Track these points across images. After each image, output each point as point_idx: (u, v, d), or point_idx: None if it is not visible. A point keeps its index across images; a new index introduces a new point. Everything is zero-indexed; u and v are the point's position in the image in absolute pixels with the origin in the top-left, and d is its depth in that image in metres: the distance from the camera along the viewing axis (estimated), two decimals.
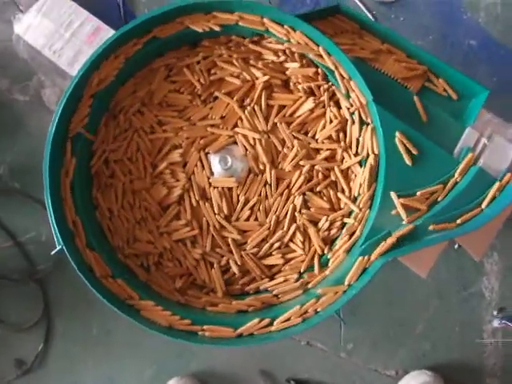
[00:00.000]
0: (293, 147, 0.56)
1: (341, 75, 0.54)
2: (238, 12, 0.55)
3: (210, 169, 0.58)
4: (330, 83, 0.56)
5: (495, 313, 0.86)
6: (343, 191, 0.56)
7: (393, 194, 0.52)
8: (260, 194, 0.57)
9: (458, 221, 0.52)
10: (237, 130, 0.58)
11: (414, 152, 0.53)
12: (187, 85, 0.59)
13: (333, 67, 0.54)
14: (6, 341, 0.78)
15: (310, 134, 0.57)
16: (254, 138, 0.57)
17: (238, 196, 0.57)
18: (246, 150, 0.57)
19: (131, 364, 0.82)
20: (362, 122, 0.55)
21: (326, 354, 0.84)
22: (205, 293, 0.57)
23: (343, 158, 0.56)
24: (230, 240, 0.56)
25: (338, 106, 0.56)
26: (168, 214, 0.57)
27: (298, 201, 0.56)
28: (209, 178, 0.58)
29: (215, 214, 0.57)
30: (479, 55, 0.90)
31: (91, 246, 0.54)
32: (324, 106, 0.57)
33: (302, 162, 0.56)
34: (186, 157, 0.58)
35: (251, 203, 0.57)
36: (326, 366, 0.84)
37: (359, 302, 0.84)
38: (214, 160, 0.57)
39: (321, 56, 0.54)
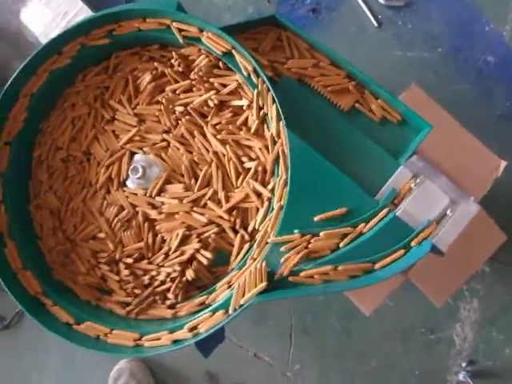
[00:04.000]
0: (160, 109, 0.56)
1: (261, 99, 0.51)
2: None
3: (144, 188, 0.57)
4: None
5: (464, 364, 0.77)
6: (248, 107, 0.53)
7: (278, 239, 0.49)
8: (186, 156, 0.55)
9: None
10: (120, 144, 0.57)
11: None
12: (64, 170, 0.60)
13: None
14: None
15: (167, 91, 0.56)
16: (133, 134, 0.57)
17: (175, 171, 0.56)
18: (141, 148, 0.57)
19: None
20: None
21: (271, 368, 0.82)
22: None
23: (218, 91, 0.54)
24: (211, 205, 0.54)
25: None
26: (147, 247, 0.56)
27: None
28: (145, 194, 0.56)
29: (181, 201, 0.55)
30: (496, 74, 0.78)
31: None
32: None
33: (177, 106, 0.55)
34: (115, 203, 0.57)
35: (186, 168, 0.55)
36: (269, 380, 0.82)
37: (314, 323, 0.80)
38: (132, 180, 0.56)
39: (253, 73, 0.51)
